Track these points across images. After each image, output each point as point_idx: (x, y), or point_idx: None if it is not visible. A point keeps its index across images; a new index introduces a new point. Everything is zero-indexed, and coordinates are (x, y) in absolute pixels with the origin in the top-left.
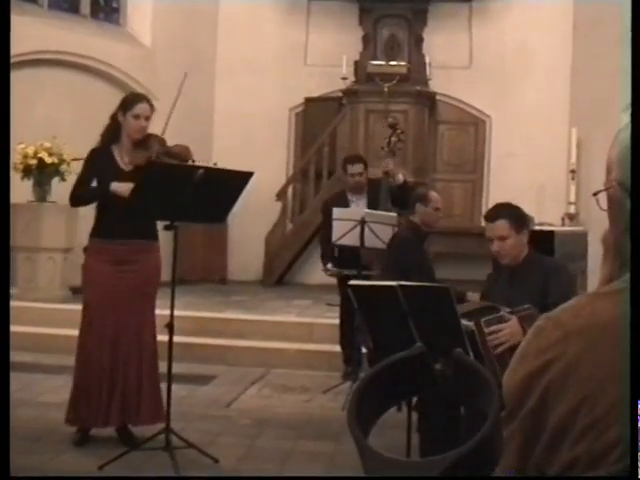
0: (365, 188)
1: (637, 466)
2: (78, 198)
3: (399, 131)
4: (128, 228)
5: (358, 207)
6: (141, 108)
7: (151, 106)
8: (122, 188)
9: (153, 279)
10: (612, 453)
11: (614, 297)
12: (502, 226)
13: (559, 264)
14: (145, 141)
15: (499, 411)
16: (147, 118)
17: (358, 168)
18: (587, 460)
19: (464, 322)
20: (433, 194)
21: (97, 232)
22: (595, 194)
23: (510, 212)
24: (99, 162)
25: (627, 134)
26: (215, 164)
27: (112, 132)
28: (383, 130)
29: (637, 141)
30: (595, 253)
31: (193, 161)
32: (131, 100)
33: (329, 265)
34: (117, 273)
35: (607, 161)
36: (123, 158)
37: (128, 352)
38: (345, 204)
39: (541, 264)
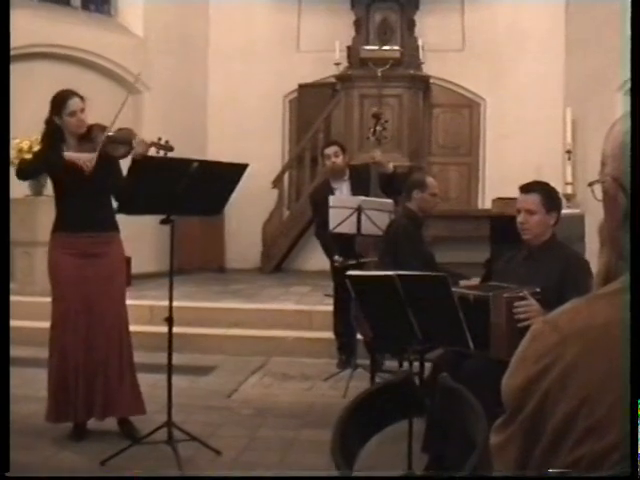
0: (346, 173)
1: (637, 466)
2: (26, 169)
3: (383, 120)
4: (91, 221)
5: (342, 194)
6: (73, 104)
7: (81, 98)
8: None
9: (121, 269)
10: (614, 454)
11: (611, 299)
12: (533, 200)
13: (581, 258)
14: (88, 134)
15: (487, 438)
16: (82, 110)
17: (333, 149)
18: (588, 461)
19: (480, 293)
20: (430, 180)
21: (60, 226)
22: (590, 185)
23: (546, 190)
24: (50, 161)
25: (621, 128)
26: (166, 142)
27: (53, 135)
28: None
29: (636, 139)
30: (592, 235)
31: (154, 144)
32: (61, 99)
33: (336, 257)
34: (85, 266)
35: (602, 154)
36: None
37: (107, 345)
38: (330, 193)
39: (561, 252)
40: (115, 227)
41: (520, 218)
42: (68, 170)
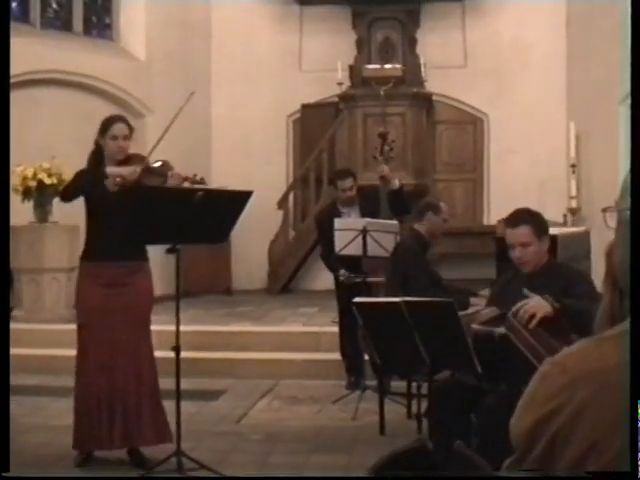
0: (356, 199)
1: (637, 466)
2: (69, 190)
3: (389, 140)
4: (119, 250)
5: (350, 218)
6: (117, 129)
7: (129, 126)
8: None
9: (147, 300)
10: None
11: (620, 341)
12: (524, 232)
13: (583, 275)
14: (127, 161)
15: None
16: (125, 137)
17: (349, 183)
18: None
19: (497, 330)
20: (443, 205)
21: (88, 255)
22: (604, 210)
23: (532, 218)
24: (87, 182)
25: None
26: (201, 178)
27: (96, 156)
28: None
29: (637, 166)
30: (598, 252)
31: (188, 179)
32: (107, 122)
33: (342, 271)
34: (110, 296)
35: (623, 184)
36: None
37: (125, 374)
38: (336, 215)
39: (561, 273)
40: (143, 256)
41: (516, 253)
42: (100, 193)
